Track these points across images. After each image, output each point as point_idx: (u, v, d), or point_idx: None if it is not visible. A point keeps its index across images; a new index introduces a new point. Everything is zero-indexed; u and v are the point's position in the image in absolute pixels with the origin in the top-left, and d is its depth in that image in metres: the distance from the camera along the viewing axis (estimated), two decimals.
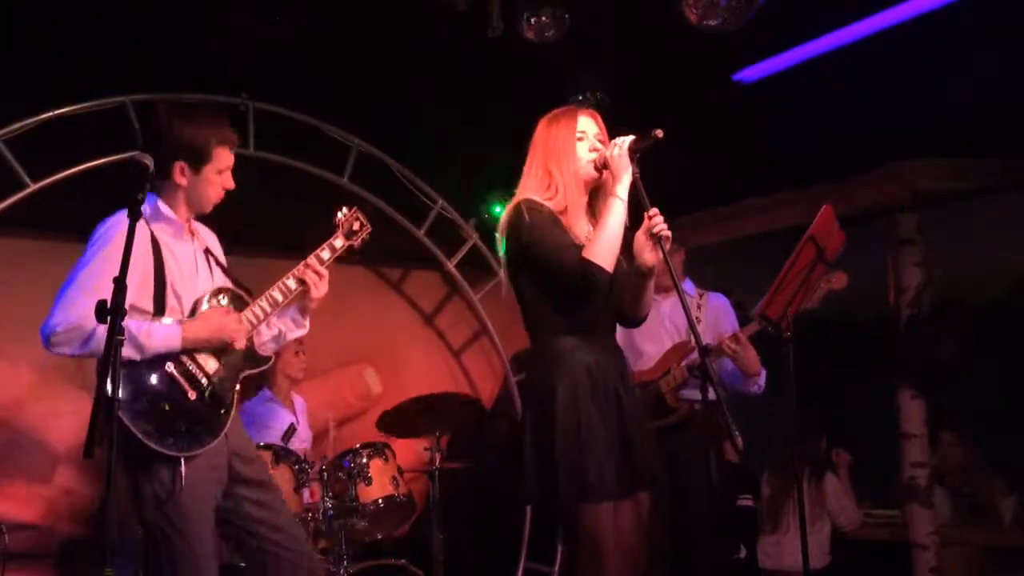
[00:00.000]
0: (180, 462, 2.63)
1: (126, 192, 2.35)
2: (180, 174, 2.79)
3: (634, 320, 2.94)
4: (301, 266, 2.94)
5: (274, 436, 4.54)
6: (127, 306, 2.56)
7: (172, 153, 2.76)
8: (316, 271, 2.93)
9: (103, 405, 2.23)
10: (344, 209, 3.09)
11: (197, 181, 2.81)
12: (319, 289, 2.95)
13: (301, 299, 2.97)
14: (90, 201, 4.34)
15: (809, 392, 3.58)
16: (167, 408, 2.65)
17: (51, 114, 4.22)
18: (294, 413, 4.89)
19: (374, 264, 6.27)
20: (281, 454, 4.11)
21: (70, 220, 4.77)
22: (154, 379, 2.66)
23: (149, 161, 2.40)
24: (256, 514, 2.84)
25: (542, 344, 2.80)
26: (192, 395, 2.71)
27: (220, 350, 2.80)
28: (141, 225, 2.67)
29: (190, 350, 2.73)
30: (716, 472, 3.85)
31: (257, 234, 5.25)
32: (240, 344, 2.83)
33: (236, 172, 2.96)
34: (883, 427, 5.36)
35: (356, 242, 3.09)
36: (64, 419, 4.84)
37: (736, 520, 5.07)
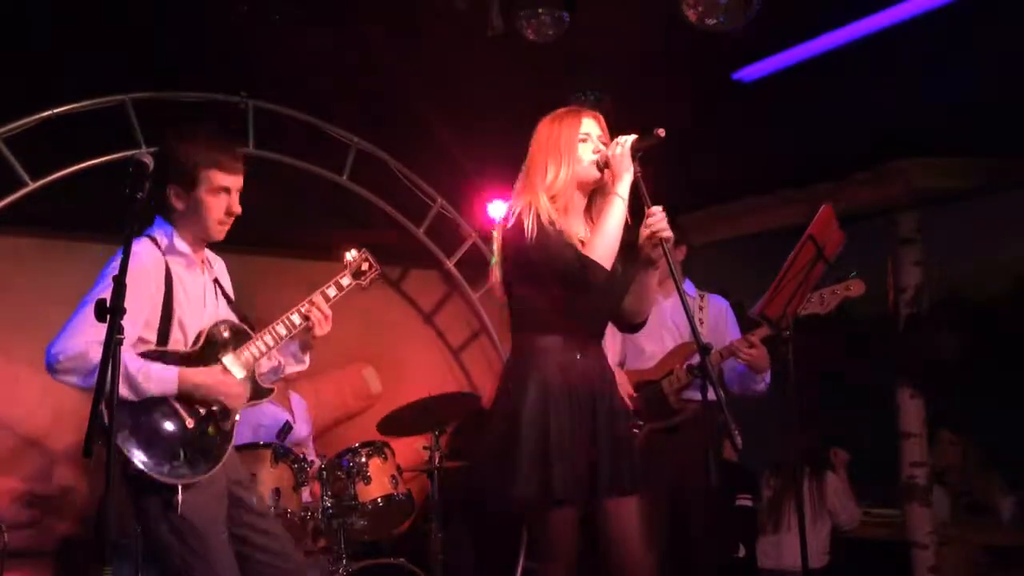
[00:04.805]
0: (177, 490, 2.61)
1: (125, 190, 2.34)
2: (175, 197, 2.75)
3: (632, 325, 2.94)
4: (307, 303, 2.95)
5: (269, 434, 4.53)
6: (136, 338, 2.62)
7: (164, 176, 2.69)
8: (322, 310, 2.95)
9: (102, 404, 2.22)
10: (353, 251, 3.11)
11: (192, 204, 2.74)
12: (323, 327, 2.97)
13: (303, 335, 2.98)
14: (90, 200, 4.38)
15: (809, 391, 3.57)
16: (165, 436, 2.64)
17: (51, 112, 4.23)
18: (290, 411, 4.87)
19: None
20: (280, 453, 4.11)
21: (70, 218, 4.80)
22: (153, 407, 2.65)
23: (149, 160, 2.39)
24: (259, 540, 2.83)
25: (521, 342, 2.79)
26: (190, 423, 2.70)
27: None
28: (158, 257, 2.70)
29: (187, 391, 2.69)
30: (715, 472, 3.85)
31: (256, 233, 5.24)
32: (237, 407, 2.82)
33: None
34: (883, 427, 5.37)
35: (364, 282, 3.11)
36: (63, 417, 4.83)
37: (736, 520, 5.06)
